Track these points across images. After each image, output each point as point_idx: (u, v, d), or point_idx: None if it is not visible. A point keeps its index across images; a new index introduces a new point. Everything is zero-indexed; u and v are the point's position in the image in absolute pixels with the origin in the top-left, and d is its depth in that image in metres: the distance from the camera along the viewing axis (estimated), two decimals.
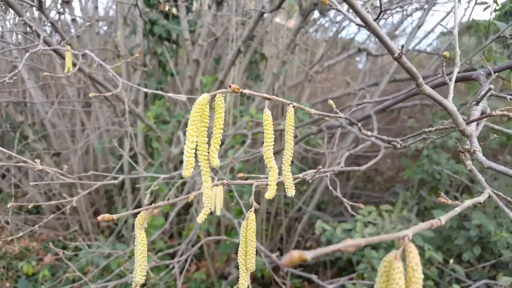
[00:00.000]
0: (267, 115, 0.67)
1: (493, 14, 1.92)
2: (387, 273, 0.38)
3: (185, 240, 2.05)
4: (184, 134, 2.82)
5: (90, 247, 2.46)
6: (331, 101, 0.74)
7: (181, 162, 2.91)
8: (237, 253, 0.78)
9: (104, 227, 3.28)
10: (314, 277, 1.51)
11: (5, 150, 1.23)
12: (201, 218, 0.67)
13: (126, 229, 3.03)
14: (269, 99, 0.68)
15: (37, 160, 0.95)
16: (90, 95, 1.02)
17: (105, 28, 3.88)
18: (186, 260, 1.79)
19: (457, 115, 0.72)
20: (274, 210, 3.33)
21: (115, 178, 1.49)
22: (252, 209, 0.77)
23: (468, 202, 0.49)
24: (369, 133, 0.84)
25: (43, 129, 3.37)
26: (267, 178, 0.76)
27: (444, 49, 3.57)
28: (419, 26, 3.17)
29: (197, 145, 0.65)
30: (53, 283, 2.69)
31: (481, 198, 0.53)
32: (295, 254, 0.37)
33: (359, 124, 0.78)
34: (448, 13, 3.39)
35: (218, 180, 1.08)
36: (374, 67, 4.52)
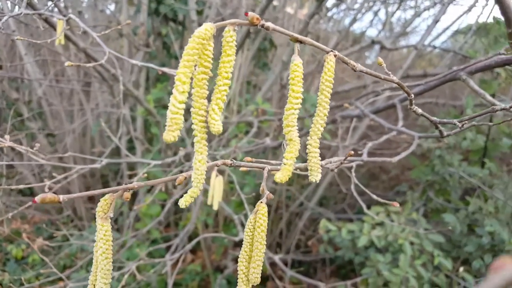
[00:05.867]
0: (297, 63, 0.49)
1: None
2: None
3: (181, 232, 1.95)
4: (186, 120, 2.70)
5: (82, 232, 2.36)
6: (380, 59, 0.60)
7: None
8: (238, 248, 0.61)
9: None
10: (321, 285, 1.40)
11: None
12: (185, 201, 0.49)
13: (121, 216, 2.93)
14: (300, 41, 0.50)
15: (7, 137, 0.84)
16: (66, 64, 0.90)
17: (112, 7, 3.73)
18: (179, 257, 1.69)
19: None
20: (275, 203, 3.23)
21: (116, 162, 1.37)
22: (264, 199, 0.58)
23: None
24: (419, 110, 0.71)
25: (40, 108, 3.24)
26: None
27: (458, 48, 3.44)
28: (436, 21, 3.03)
29: (192, 100, 0.45)
30: (43, 267, 2.60)
31: None
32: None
33: (412, 95, 0.65)
34: (465, 12, 3.26)
35: (215, 169, 0.96)
36: (384, 62, 4.38)
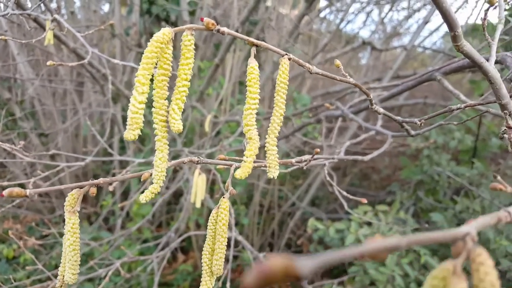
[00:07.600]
0: (253, 66, 0.52)
1: (505, 13, 1.83)
2: None
3: (169, 231, 1.96)
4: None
5: None
6: (337, 61, 0.61)
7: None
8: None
9: (91, 213, 3.18)
10: (304, 282, 1.42)
11: None
12: (145, 197, 0.51)
13: (113, 216, 2.93)
14: (256, 45, 0.53)
15: None
16: (48, 63, 0.91)
17: (105, 8, 3.74)
18: (165, 254, 1.70)
19: (500, 84, 0.61)
20: (267, 204, 3.25)
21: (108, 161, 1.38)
22: (227, 195, 0.62)
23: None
24: (381, 109, 0.73)
25: (32, 107, 3.25)
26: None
27: (448, 48, 3.48)
28: (425, 22, 3.07)
29: (153, 101, 0.49)
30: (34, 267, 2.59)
31: None
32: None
33: (370, 95, 0.67)
34: (455, 12, 3.31)
35: (198, 167, 0.98)
36: (376, 63, 4.42)
